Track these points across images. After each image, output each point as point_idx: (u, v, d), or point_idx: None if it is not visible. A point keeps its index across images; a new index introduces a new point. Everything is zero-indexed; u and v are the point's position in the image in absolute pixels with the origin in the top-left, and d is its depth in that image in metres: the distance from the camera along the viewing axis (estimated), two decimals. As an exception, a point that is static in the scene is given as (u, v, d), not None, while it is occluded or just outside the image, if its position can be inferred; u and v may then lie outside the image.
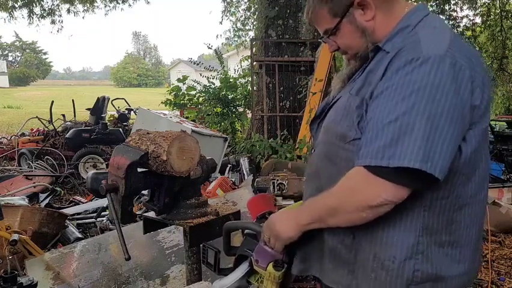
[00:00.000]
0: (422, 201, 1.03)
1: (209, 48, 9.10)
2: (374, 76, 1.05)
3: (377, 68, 1.05)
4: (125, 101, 9.31)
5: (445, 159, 0.94)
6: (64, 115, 8.05)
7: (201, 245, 1.46)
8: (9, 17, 10.12)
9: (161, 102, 8.22)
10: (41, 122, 7.93)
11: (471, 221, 1.09)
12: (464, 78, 0.96)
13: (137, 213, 1.87)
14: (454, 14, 9.97)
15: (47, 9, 10.36)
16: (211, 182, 3.99)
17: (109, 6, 10.88)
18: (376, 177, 0.96)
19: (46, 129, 7.71)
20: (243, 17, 10.95)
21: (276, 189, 3.10)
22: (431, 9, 10.13)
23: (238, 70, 8.80)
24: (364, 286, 1.08)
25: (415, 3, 1.17)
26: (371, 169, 0.96)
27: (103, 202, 4.02)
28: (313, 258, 1.20)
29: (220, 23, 15.89)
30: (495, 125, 7.87)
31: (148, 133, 1.64)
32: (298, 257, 1.24)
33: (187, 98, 8.02)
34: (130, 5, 11.08)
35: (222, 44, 12.66)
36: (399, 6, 1.12)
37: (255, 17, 10.04)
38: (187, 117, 7.15)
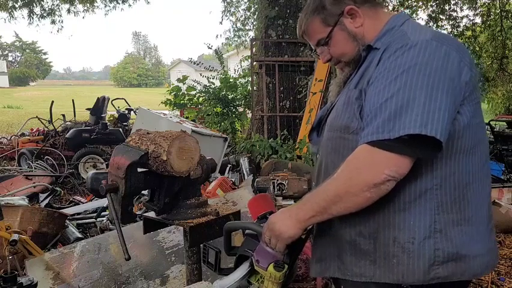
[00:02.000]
0: (433, 180, 1.06)
1: (209, 48, 9.11)
2: (369, 70, 1.13)
3: (371, 63, 1.14)
4: (125, 101, 9.31)
5: (444, 122, 0.99)
6: (63, 115, 8.04)
7: (202, 245, 1.46)
8: (9, 17, 10.11)
9: (161, 102, 8.22)
10: (41, 122, 7.93)
11: (480, 199, 1.13)
12: (451, 56, 1.03)
13: (137, 213, 1.87)
14: (454, 14, 9.98)
15: (47, 9, 10.35)
16: (211, 182, 3.99)
17: (109, 6, 10.88)
18: (380, 150, 1.00)
19: (46, 129, 7.71)
20: (243, 17, 10.95)
21: (276, 189, 3.10)
22: (431, 9, 10.14)
23: (238, 70, 8.80)
24: (388, 273, 1.09)
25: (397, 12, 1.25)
26: (374, 144, 1.01)
27: (103, 202, 4.02)
28: (330, 257, 1.21)
29: (220, 23, 15.93)
30: (495, 125, 7.86)
31: (148, 133, 1.63)
32: (314, 258, 1.26)
33: (187, 98, 8.02)
34: (130, 5, 11.07)
35: (222, 44, 12.68)
36: (384, 13, 1.22)
37: (255, 17, 10.04)
38: (187, 117, 7.15)
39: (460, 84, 1.04)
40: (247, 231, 1.32)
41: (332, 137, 1.19)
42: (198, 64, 8.64)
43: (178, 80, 8.22)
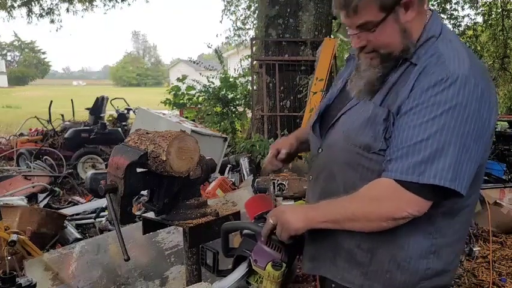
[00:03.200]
0: (441, 209, 1.09)
1: (209, 47, 9.14)
2: (400, 88, 1.08)
3: (404, 81, 1.08)
4: (125, 100, 9.30)
5: (470, 176, 1.02)
6: (62, 115, 8.03)
7: (200, 247, 1.44)
8: (8, 16, 10.12)
9: (161, 102, 8.21)
10: (40, 121, 7.91)
11: (469, 218, 1.20)
12: (484, 97, 1.02)
13: (136, 213, 1.85)
14: (455, 13, 9.98)
15: (46, 8, 10.36)
16: (211, 182, 3.98)
17: (108, 5, 10.89)
18: (405, 190, 1.01)
19: (45, 129, 7.70)
20: (243, 16, 10.95)
21: (276, 190, 3.09)
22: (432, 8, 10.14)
23: (238, 69, 8.79)
24: (377, 285, 1.14)
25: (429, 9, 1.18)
26: (401, 183, 1.01)
27: (102, 202, 4.01)
28: (324, 259, 1.23)
29: (220, 22, 15.91)
30: (497, 124, 7.86)
31: (147, 133, 1.62)
32: (307, 255, 1.26)
33: (186, 97, 8.01)
34: (129, 4, 11.08)
35: (222, 43, 12.70)
36: (425, 11, 1.13)
37: (255, 16, 10.04)
38: (186, 117, 7.14)
39: (490, 131, 1.05)
40: (244, 231, 1.32)
41: (347, 150, 1.15)
42: (197, 63, 8.63)
43: (178, 79, 8.20)
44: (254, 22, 10.43)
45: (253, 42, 6.53)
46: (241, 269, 1.28)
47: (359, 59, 1.18)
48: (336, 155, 1.19)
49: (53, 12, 10.45)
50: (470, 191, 1.06)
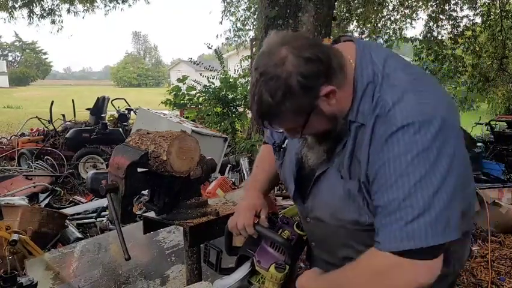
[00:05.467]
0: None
1: (209, 48, 9.10)
2: (359, 155, 1.00)
3: (360, 145, 1.00)
4: (125, 101, 9.30)
5: (459, 218, 0.94)
6: (63, 115, 8.04)
7: (204, 244, 1.46)
8: (9, 17, 10.12)
9: (161, 102, 8.22)
10: (41, 122, 7.93)
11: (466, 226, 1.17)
12: (445, 130, 0.92)
13: (137, 213, 1.86)
14: (454, 14, 9.98)
15: (47, 9, 10.34)
16: (211, 182, 3.99)
17: (109, 6, 10.88)
18: (405, 259, 0.91)
19: (46, 129, 7.71)
20: (243, 16, 10.96)
21: (276, 189, 3.10)
22: (431, 9, 10.13)
23: (238, 70, 8.80)
24: None
25: (347, 42, 1.08)
26: (398, 253, 0.92)
27: (103, 202, 4.02)
28: None
29: (220, 23, 15.90)
30: (495, 125, 7.87)
31: (148, 133, 1.63)
32: None
33: (187, 98, 8.01)
34: (130, 5, 11.07)
35: (222, 44, 12.69)
36: (347, 65, 1.00)
37: (255, 16, 10.05)
38: (187, 117, 7.15)
39: (460, 156, 0.95)
40: None
41: (342, 226, 1.09)
42: (198, 64, 8.64)
43: (178, 80, 8.21)
44: (254, 23, 10.45)
45: (253, 42, 6.54)
46: (244, 269, 1.29)
47: None
48: (327, 230, 1.14)
49: (54, 13, 10.45)
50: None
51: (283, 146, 1.24)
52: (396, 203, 0.91)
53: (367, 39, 10.33)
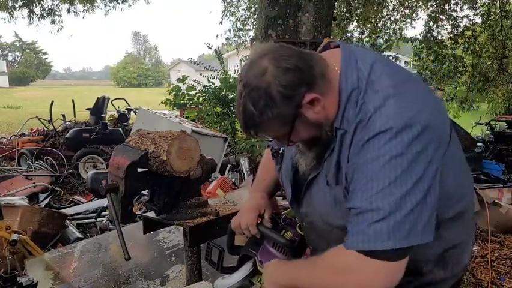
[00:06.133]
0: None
1: (209, 48, 9.10)
2: (343, 158, 1.02)
3: (344, 150, 1.02)
4: (125, 101, 9.31)
5: (430, 223, 0.94)
6: (63, 115, 8.05)
7: (206, 243, 1.46)
8: (9, 17, 10.11)
9: (161, 102, 8.22)
10: (41, 122, 7.93)
11: (463, 227, 1.16)
12: (424, 135, 0.93)
13: (137, 213, 1.86)
14: (454, 14, 9.98)
15: (47, 9, 10.33)
16: (211, 182, 3.99)
17: (109, 6, 10.86)
18: (366, 258, 0.92)
19: (46, 129, 7.72)
20: (243, 16, 10.95)
21: (276, 189, 3.09)
22: (431, 9, 10.14)
23: (238, 70, 8.79)
24: None
25: (335, 48, 1.09)
26: (360, 252, 0.93)
27: (103, 202, 4.02)
28: None
29: (220, 23, 15.89)
30: (495, 125, 7.87)
31: (148, 133, 1.63)
32: None
33: (187, 98, 8.01)
34: (130, 5, 11.06)
35: (222, 44, 12.67)
36: (331, 73, 1.02)
37: (255, 16, 10.05)
38: (187, 117, 7.15)
39: (435, 161, 0.94)
40: None
41: (332, 231, 1.11)
42: (197, 64, 8.64)
43: (178, 80, 8.21)
44: (254, 23, 10.44)
45: (253, 42, 6.54)
46: (246, 269, 1.29)
47: None
48: (320, 234, 1.16)
49: (54, 13, 10.44)
50: (449, 202, 1.04)
51: (280, 151, 1.27)
52: (364, 205, 0.93)
53: (367, 39, 10.33)
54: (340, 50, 1.07)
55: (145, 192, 2.60)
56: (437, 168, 0.94)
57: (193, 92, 8.01)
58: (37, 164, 5.90)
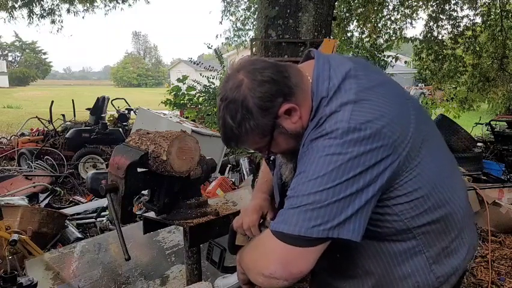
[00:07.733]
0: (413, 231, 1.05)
1: (209, 48, 9.12)
2: None
3: None
4: (125, 101, 9.32)
5: (353, 223, 0.94)
6: (63, 115, 8.05)
7: (208, 242, 1.46)
8: (9, 17, 10.10)
9: (161, 102, 8.22)
10: (41, 122, 7.93)
11: (460, 210, 1.15)
12: (386, 147, 0.94)
13: (137, 213, 1.87)
14: (454, 14, 9.98)
15: (47, 9, 10.32)
16: (211, 182, 3.99)
17: (109, 6, 10.85)
18: (278, 240, 0.96)
19: (46, 129, 7.72)
20: (243, 16, 10.95)
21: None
22: (431, 9, 10.13)
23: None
24: None
25: (310, 61, 1.11)
26: (275, 233, 0.97)
27: (103, 202, 4.02)
28: None
29: (220, 22, 15.89)
30: (495, 125, 7.87)
31: (148, 133, 1.63)
32: None
33: (187, 98, 8.01)
34: (130, 5, 11.04)
35: (222, 43, 12.65)
36: (306, 83, 1.05)
37: (255, 16, 10.04)
38: (187, 117, 7.15)
39: (380, 173, 0.95)
40: None
41: None
42: (197, 64, 8.64)
43: (178, 80, 8.22)
44: (254, 23, 10.44)
45: (253, 42, 6.53)
46: None
47: None
48: None
49: (53, 13, 10.43)
50: (423, 207, 1.03)
51: (271, 158, 1.29)
52: (291, 192, 0.98)
53: (367, 39, 10.32)
54: (314, 60, 1.09)
55: (145, 192, 2.59)
56: (378, 174, 0.94)
57: (193, 92, 8.01)
58: (37, 164, 5.89)
